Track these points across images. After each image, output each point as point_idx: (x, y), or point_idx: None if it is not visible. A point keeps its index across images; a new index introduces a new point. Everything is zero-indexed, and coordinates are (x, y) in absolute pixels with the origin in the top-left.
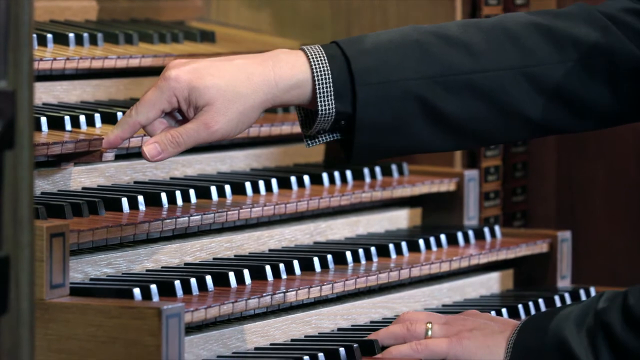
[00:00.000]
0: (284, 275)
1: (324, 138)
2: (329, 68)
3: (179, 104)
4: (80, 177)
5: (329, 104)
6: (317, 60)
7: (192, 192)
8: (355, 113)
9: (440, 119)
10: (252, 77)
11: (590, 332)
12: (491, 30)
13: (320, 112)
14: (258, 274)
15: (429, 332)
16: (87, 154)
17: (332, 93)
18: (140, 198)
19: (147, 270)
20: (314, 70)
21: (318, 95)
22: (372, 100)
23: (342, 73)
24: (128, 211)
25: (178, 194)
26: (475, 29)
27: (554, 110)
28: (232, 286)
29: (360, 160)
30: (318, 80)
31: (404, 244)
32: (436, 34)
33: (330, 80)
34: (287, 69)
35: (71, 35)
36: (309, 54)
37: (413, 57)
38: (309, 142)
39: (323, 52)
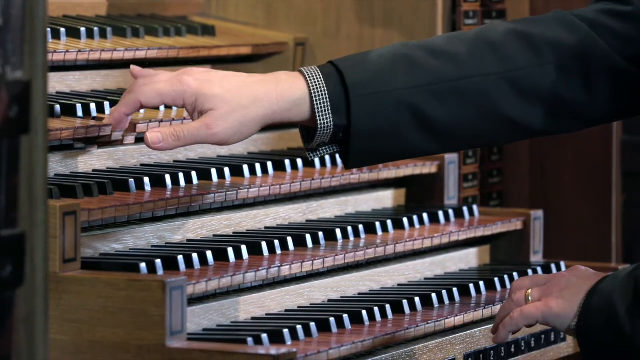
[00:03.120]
0: (278, 251)
1: (324, 151)
2: (324, 84)
3: (184, 106)
4: (90, 160)
5: (326, 118)
6: (314, 79)
7: (194, 174)
8: (350, 124)
9: (430, 125)
10: (256, 92)
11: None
12: (473, 41)
13: (319, 127)
14: (255, 250)
15: (530, 298)
16: (97, 138)
17: (329, 107)
18: (146, 179)
19: (152, 246)
20: (311, 89)
21: (316, 111)
22: (366, 110)
23: (337, 87)
24: (135, 191)
25: (181, 175)
26: (458, 40)
27: (535, 112)
28: (231, 261)
29: (357, 166)
30: (315, 97)
31: (389, 222)
32: (423, 47)
33: (327, 95)
34: (287, 88)
35: (83, 29)
36: (306, 75)
37: (403, 68)
38: (311, 154)
39: (319, 71)
